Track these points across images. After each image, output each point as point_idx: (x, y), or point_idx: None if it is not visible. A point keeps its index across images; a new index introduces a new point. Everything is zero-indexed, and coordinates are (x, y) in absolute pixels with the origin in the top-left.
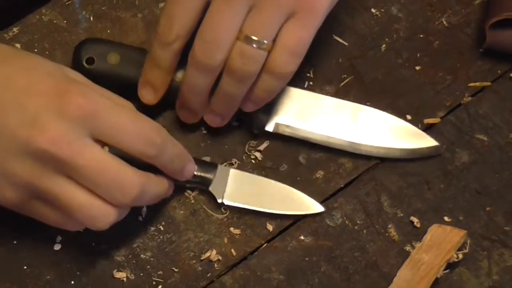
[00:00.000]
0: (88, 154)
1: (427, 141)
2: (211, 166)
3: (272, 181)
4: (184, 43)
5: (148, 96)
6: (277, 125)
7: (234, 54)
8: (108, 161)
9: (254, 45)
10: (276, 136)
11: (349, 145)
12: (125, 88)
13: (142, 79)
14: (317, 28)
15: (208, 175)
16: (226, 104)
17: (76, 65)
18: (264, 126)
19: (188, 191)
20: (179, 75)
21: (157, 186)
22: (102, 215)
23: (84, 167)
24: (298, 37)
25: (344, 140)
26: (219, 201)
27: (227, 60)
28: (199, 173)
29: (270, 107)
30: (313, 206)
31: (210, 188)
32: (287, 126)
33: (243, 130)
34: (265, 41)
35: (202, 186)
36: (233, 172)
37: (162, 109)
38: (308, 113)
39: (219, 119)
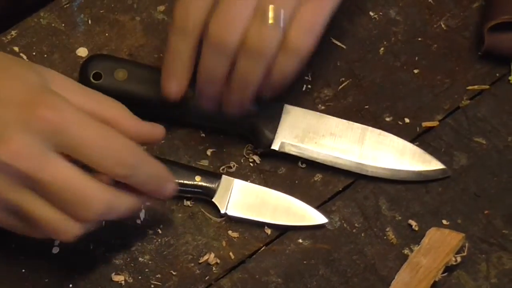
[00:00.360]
0: (51, 168)
1: (433, 164)
2: (215, 177)
3: (275, 192)
4: (202, 30)
5: (174, 89)
6: (283, 144)
7: (251, 33)
8: (72, 176)
9: (271, 22)
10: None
11: (356, 166)
12: (132, 104)
13: (164, 75)
14: (333, 9)
15: (212, 186)
16: (244, 89)
17: (83, 80)
18: (270, 145)
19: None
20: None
21: (127, 202)
22: (66, 229)
23: (46, 181)
24: (314, 14)
25: (351, 161)
26: (222, 212)
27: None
28: (203, 184)
29: (276, 126)
30: (316, 217)
31: (214, 199)
32: (293, 146)
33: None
34: (281, 19)
35: (206, 196)
36: (236, 182)
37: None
38: (314, 133)
39: (238, 106)
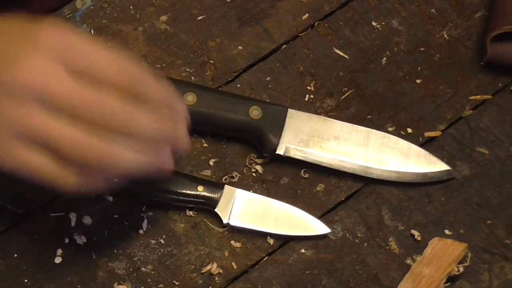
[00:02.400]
0: (65, 81)
1: (439, 165)
2: (218, 187)
3: (278, 202)
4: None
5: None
6: (288, 148)
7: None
8: (87, 87)
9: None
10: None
11: (361, 169)
12: None
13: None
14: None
15: (215, 196)
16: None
17: None
18: (275, 149)
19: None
20: (189, 98)
21: (146, 116)
22: (90, 144)
23: (61, 93)
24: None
25: (356, 164)
26: (225, 222)
27: None
28: (205, 194)
29: (280, 131)
30: (319, 227)
31: (216, 209)
32: (298, 150)
33: (244, 143)
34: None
35: (208, 207)
36: (239, 192)
37: None
38: (319, 137)
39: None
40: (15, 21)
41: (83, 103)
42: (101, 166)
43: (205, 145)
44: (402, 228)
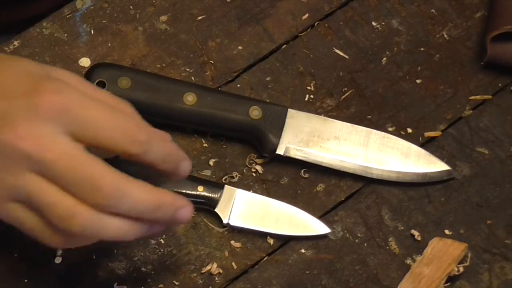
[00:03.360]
0: (57, 148)
1: (439, 165)
2: (218, 187)
3: (278, 202)
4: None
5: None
6: (288, 148)
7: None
8: (79, 157)
9: None
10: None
11: (361, 169)
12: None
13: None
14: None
15: (215, 196)
16: None
17: None
18: (275, 149)
19: None
20: (189, 98)
21: (144, 194)
22: (72, 213)
23: (51, 162)
24: None
25: (356, 164)
26: (225, 222)
27: None
28: (205, 194)
29: (280, 131)
30: (319, 227)
31: (216, 209)
32: (298, 150)
33: (244, 143)
34: None
35: (208, 206)
36: (239, 192)
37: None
38: (319, 137)
39: None
40: (15, 69)
41: (78, 175)
42: (86, 235)
43: (205, 145)
44: (402, 228)
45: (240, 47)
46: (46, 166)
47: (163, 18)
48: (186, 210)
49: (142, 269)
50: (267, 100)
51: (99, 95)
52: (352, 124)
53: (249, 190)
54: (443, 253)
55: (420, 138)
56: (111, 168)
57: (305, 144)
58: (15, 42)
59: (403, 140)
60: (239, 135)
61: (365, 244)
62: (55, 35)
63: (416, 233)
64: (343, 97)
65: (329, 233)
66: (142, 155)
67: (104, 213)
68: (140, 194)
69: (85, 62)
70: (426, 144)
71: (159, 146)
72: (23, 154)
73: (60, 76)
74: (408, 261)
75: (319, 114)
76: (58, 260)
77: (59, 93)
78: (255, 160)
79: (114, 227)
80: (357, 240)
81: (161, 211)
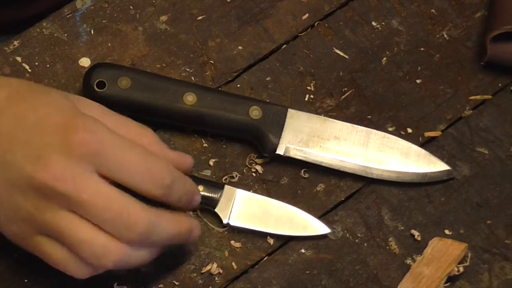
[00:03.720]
0: (92, 188)
1: (439, 165)
2: (218, 187)
3: (278, 202)
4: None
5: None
6: (288, 148)
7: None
8: (113, 196)
9: None
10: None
11: (361, 169)
12: (136, 112)
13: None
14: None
15: (215, 196)
16: None
17: (87, 89)
18: (275, 149)
19: None
20: (189, 98)
21: (169, 224)
22: (106, 250)
23: (87, 202)
24: None
25: (356, 164)
26: (225, 222)
27: None
28: (205, 194)
29: (280, 131)
30: (319, 227)
31: (216, 209)
32: (298, 150)
33: (244, 143)
34: None
35: (208, 206)
36: (239, 192)
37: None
38: (319, 137)
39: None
40: (46, 103)
41: (113, 213)
42: (115, 268)
43: (205, 145)
44: (402, 228)
45: (240, 47)
46: (82, 206)
47: (163, 18)
48: (197, 231)
49: (142, 269)
50: (267, 100)
51: (123, 124)
52: (352, 124)
53: (249, 190)
54: (443, 253)
55: (420, 138)
56: (142, 204)
57: (305, 144)
58: (15, 42)
59: (403, 140)
60: (239, 135)
61: (365, 244)
62: (55, 35)
63: (416, 233)
64: (343, 97)
65: (329, 233)
66: (164, 197)
67: (135, 247)
68: (167, 225)
69: (85, 62)
70: (426, 144)
71: (179, 188)
72: (59, 194)
73: (84, 107)
74: (408, 261)
75: (319, 114)
76: None
77: (91, 133)
78: (255, 160)
79: (141, 257)
80: (357, 240)
81: (180, 237)
